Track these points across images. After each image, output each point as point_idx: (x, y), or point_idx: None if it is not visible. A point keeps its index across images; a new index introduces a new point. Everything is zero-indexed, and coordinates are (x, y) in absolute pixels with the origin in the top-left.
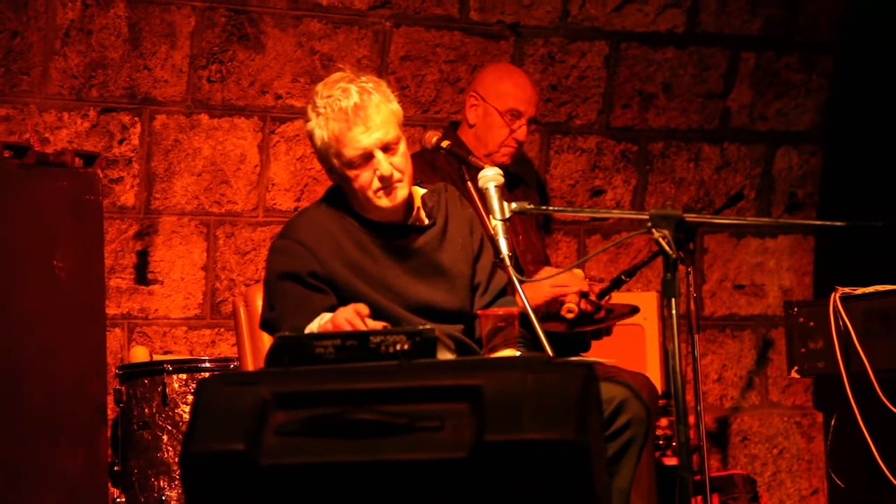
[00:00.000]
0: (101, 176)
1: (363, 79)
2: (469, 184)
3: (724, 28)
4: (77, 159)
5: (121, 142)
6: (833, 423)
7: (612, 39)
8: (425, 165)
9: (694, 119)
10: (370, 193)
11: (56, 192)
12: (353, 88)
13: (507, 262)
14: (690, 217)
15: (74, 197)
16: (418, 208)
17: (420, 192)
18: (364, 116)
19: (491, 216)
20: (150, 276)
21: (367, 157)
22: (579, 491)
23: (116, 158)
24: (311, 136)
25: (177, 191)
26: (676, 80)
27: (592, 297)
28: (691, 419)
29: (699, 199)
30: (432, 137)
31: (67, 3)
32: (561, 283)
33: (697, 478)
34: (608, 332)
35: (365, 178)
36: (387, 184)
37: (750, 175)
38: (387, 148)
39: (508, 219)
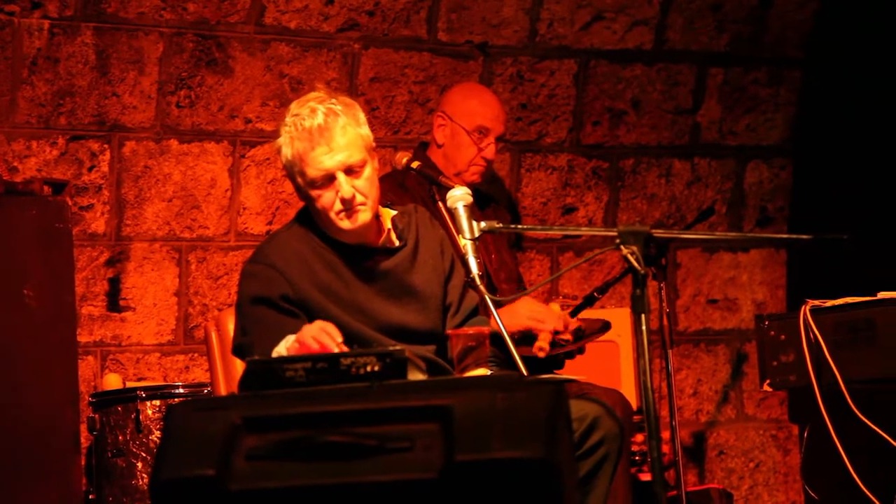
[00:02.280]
0: (70, 204)
1: (333, 100)
2: (440, 204)
3: (691, 44)
4: (46, 188)
5: (90, 169)
6: (806, 435)
7: (581, 57)
8: (396, 186)
9: (664, 135)
10: (332, 215)
11: (25, 221)
12: (321, 109)
13: (478, 281)
14: (659, 233)
15: (44, 225)
16: (389, 230)
17: (391, 213)
18: (328, 137)
19: (460, 236)
20: (122, 302)
21: (330, 178)
22: None
23: (86, 186)
24: (279, 153)
25: (148, 217)
26: (646, 96)
27: (567, 336)
28: (667, 434)
29: (671, 214)
30: (402, 158)
31: (34, 32)
32: (538, 317)
33: (674, 493)
34: (581, 351)
35: (327, 200)
36: (348, 206)
37: (721, 190)
38: (350, 171)
39: (478, 238)
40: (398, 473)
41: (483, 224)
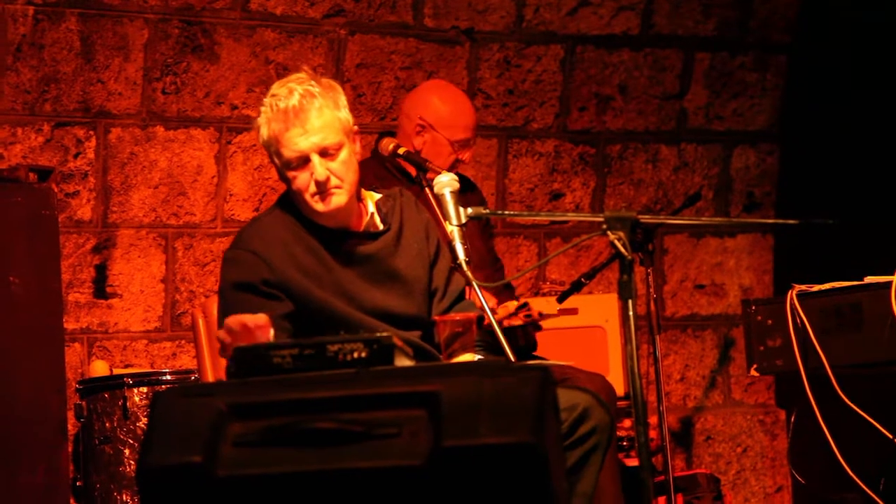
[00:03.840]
0: (56, 191)
1: (313, 82)
2: (426, 190)
3: (677, 29)
4: (31, 174)
5: (76, 156)
6: (793, 420)
7: (568, 43)
8: (386, 171)
9: (651, 120)
10: (307, 196)
11: (10, 208)
12: (298, 90)
13: (465, 267)
14: (646, 218)
15: (29, 212)
16: (372, 214)
17: (375, 197)
18: (303, 119)
19: (447, 222)
20: (108, 289)
21: (304, 159)
22: (537, 494)
23: (72, 172)
24: (258, 133)
25: (134, 204)
26: (632, 81)
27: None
28: (654, 420)
29: (658, 199)
30: (389, 144)
31: (18, 18)
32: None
33: (661, 478)
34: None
35: (302, 181)
36: (322, 189)
37: (708, 175)
38: (325, 153)
39: (465, 224)
40: (385, 460)
41: (470, 210)
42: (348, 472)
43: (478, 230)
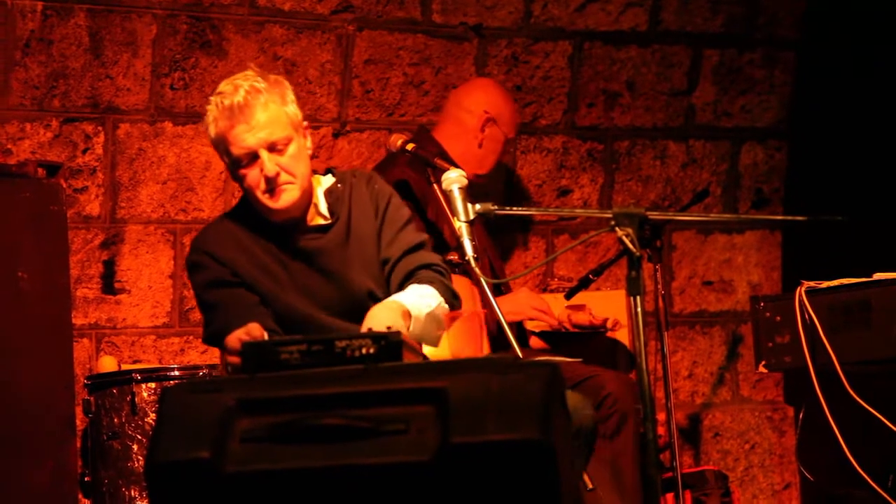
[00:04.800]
0: (64, 186)
1: (259, 79)
2: (435, 186)
3: (686, 26)
4: (40, 170)
5: (84, 151)
6: (801, 416)
7: (576, 39)
8: (403, 168)
9: (659, 117)
10: (258, 194)
11: (19, 204)
12: (244, 87)
13: (473, 264)
14: (654, 215)
15: (38, 208)
16: (315, 205)
17: (324, 184)
18: (248, 115)
19: (455, 218)
20: (117, 285)
21: (253, 156)
22: (545, 491)
23: (80, 168)
24: (206, 129)
25: (142, 199)
26: (640, 78)
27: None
28: (662, 416)
29: (666, 196)
30: (397, 140)
31: (27, 14)
32: (541, 307)
33: (669, 475)
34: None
35: (252, 178)
36: (272, 185)
37: (716, 171)
38: (273, 148)
39: (473, 221)
40: (393, 456)
41: (478, 206)
42: (356, 468)
43: (481, 224)
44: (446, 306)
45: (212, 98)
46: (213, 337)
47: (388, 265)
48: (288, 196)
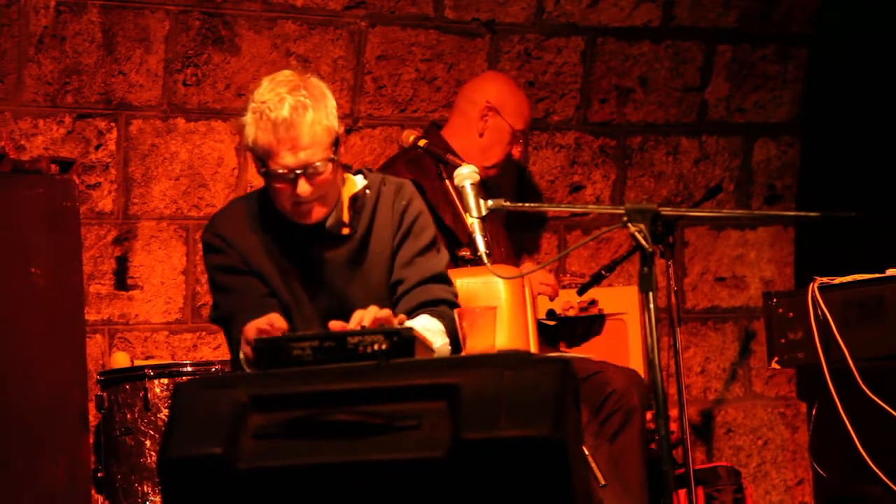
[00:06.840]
0: (77, 182)
1: (304, 92)
2: (447, 182)
3: (699, 21)
4: (53, 166)
5: (97, 147)
6: (814, 413)
7: (588, 35)
8: (412, 165)
9: (671, 113)
10: (286, 205)
11: (32, 200)
12: (289, 101)
13: (486, 259)
14: (666, 211)
15: (51, 204)
16: (339, 208)
17: (353, 187)
18: (293, 135)
19: (467, 214)
20: (129, 281)
21: (289, 174)
22: (557, 487)
23: (93, 164)
24: (242, 130)
25: (155, 195)
26: (653, 74)
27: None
28: (675, 412)
29: (678, 192)
30: (409, 136)
31: (41, 10)
32: (547, 281)
33: (681, 471)
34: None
35: (283, 191)
36: (301, 203)
37: (729, 167)
38: (310, 168)
39: (485, 216)
40: (405, 452)
41: (490, 202)
42: (368, 464)
43: (500, 223)
44: (449, 348)
45: (252, 104)
46: (220, 320)
47: (401, 287)
48: (315, 214)
